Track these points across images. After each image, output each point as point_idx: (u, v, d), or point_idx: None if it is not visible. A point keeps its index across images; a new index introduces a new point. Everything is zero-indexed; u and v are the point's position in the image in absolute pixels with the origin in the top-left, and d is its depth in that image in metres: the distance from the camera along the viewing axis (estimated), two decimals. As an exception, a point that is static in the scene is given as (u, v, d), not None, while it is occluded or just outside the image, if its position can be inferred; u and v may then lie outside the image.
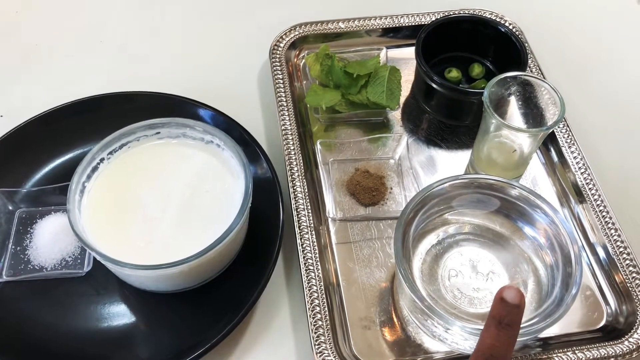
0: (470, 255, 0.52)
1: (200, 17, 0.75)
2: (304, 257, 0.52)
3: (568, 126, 0.61)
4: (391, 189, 0.59)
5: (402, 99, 0.65)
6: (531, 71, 0.66)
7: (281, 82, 0.64)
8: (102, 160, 0.50)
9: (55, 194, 0.55)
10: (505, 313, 0.33)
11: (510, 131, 0.51)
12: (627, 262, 0.53)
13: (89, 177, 0.49)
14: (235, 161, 0.50)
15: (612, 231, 0.54)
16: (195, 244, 0.46)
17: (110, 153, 0.51)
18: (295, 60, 0.67)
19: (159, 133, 0.52)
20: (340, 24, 0.69)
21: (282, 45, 0.67)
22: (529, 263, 0.51)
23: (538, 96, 0.54)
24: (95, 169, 0.50)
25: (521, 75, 0.53)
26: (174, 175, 0.51)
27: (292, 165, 0.58)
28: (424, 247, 0.52)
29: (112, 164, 0.51)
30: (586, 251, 0.55)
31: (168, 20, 0.75)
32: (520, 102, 0.55)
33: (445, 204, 0.52)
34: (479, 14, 0.69)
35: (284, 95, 0.63)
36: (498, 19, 0.69)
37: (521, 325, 0.46)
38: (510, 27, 0.68)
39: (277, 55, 0.66)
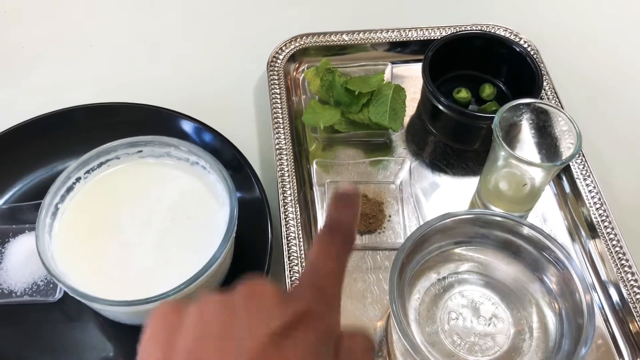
0: (472, 296, 0.48)
1: (194, 27, 0.71)
2: (292, 292, 0.48)
3: (584, 156, 0.57)
4: (390, 216, 0.55)
5: (408, 118, 0.61)
6: (546, 94, 0.61)
7: (278, 97, 0.60)
8: (78, 179, 0.47)
9: (31, 212, 0.51)
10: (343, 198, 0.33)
11: (522, 164, 0.47)
12: (644, 310, 0.48)
13: (62, 198, 0.46)
14: (221, 186, 0.46)
15: (629, 275, 0.50)
16: (174, 275, 0.42)
17: (88, 172, 0.47)
18: (295, 74, 0.63)
19: (141, 152, 0.48)
20: (344, 36, 0.65)
21: (281, 57, 0.63)
22: (536, 309, 0.47)
23: (553, 125, 0.50)
24: (70, 189, 0.46)
25: (536, 102, 0.49)
26: (155, 199, 0.47)
27: (285, 189, 0.54)
28: (423, 286, 0.48)
29: (89, 184, 0.47)
30: (598, 295, 0.51)
31: (162, 27, 0.71)
32: (533, 131, 0.51)
33: (447, 239, 0.48)
34: (493, 30, 0.65)
35: (280, 111, 0.59)
36: (513, 36, 0.65)
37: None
38: (526, 45, 0.64)
39: (275, 68, 0.62)
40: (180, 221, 0.46)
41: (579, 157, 0.57)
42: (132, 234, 0.46)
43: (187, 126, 0.55)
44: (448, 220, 0.46)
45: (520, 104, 0.49)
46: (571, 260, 0.44)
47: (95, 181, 0.47)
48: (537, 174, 0.49)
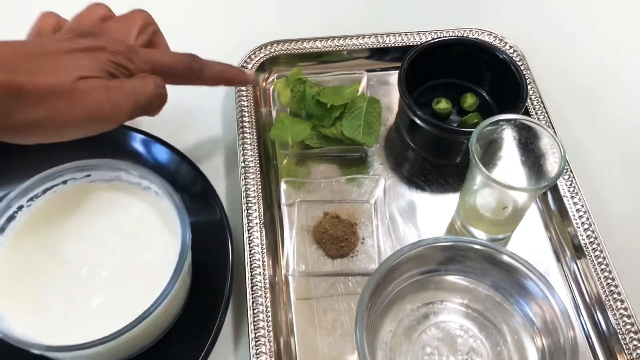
0: (449, 328, 0.45)
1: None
2: (254, 327, 0.45)
3: (572, 172, 0.53)
4: (363, 239, 0.51)
5: (386, 131, 0.58)
6: (532, 103, 0.58)
7: (246, 109, 0.56)
8: (20, 208, 0.43)
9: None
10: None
11: (501, 187, 0.43)
12: (635, 342, 0.45)
13: (2, 228, 0.42)
14: (173, 214, 0.43)
15: (618, 303, 0.46)
16: (121, 315, 0.38)
17: (31, 199, 0.43)
18: (264, 84, 0.60)
19: (89, 176, 0.45)
20: (317, 42, 0.61)
21: (249, 66, 0.59)
22: (517, 343, 0.43)
23: (536, 141, 0.46)
24: (11, 218, 0.42)
25: (517, 119, 0.45)
26: (105, 229, 0.43)
27: (250, 210, 0.50)
28: (395, 317, 0.45)
29: (32, 212, 0.43)
30: (585, 324, 0.47)
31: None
32: (515, 148, 0.47)
33: (421, 267, 0.45)
34: (477, 34, 0.61)
35: (247, 125, 0.55)
36: (497, 41, 0.61)
37: None
38: (511, 51, 0.60)
39: (243, 78, 0.58)
40: (130, 253, 0.42)
41: (566, 172, 0.53)
42: (78, 268, 0.42)
43: (141, 143, 0.51)
44: (421, 247, 0.43)
45: (499, 120, 0.45)
46: (554, 293, 0.41)
47: (40, 209, 0.43)
48: (518, 197, 0.45)
